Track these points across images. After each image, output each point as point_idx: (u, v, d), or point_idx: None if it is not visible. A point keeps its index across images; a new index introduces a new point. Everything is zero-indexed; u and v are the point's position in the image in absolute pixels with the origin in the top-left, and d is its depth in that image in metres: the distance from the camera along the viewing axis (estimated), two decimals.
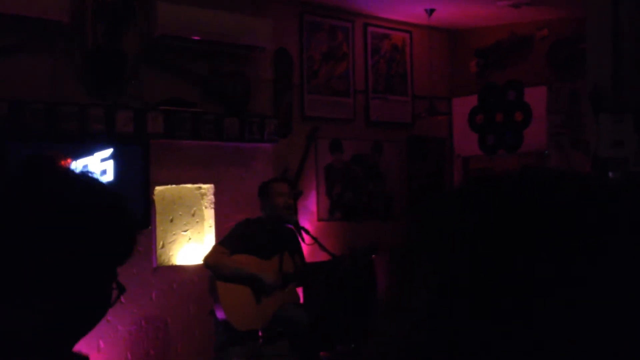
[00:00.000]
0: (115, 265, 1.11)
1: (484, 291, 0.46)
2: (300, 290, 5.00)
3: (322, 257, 4.82)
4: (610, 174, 4.06)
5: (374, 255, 4.89)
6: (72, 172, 1.13)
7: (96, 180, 1.11)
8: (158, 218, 5.09)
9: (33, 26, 4.47)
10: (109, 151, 4.72)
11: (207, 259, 4.42)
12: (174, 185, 5.19)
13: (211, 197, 5.35)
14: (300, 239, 4.70)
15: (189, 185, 5.29)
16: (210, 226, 5.33)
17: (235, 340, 4.34)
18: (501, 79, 6.90)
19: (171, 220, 5.24)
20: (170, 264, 5.18)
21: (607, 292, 0.45)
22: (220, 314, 4.36)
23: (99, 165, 4.69)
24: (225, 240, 4.48)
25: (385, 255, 5.23)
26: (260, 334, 4.38)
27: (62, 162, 4.32)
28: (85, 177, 1.10)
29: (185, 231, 5.30)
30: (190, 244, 5.30)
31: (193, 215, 5.34)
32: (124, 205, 1.11)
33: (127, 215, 1.13)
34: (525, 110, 6.75)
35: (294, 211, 4.77)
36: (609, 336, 0.45)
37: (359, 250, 4.86)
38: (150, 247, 5.03)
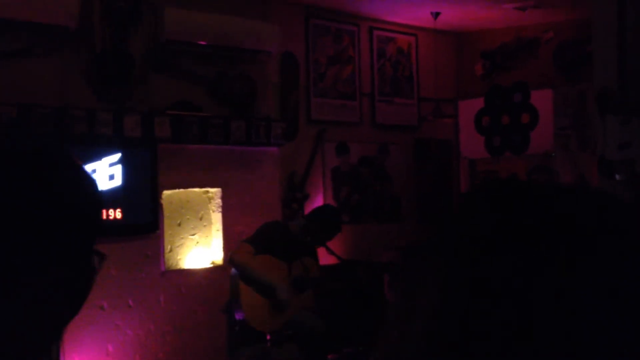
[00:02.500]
0: (88, 229, 0.89)
1: (485, 299, 0.47)
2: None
3: (331, 260, 4.83)
4: (617, 177, 4.06)
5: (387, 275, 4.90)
6: None
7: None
8: (166, 222, 5.11)
9: (41, 31, 4.51)
10: (117, 156, 4.74)
11: (234, 256, 4.42)
12: (181, 190, 5.21)
13: (218, 201, 5.37)
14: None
15: (197, 189, 5.31)
16: (218, 230, 5.35)
17: (249, 340, 4.36)
18: (507, 81, 6.91)
19: (179, 224, 5.26)
20: (178, 267, 5.20)
21: (603, 304, 0.46)
22: (238, 314, 4.37)
23: (107, 169, 4.71)
24: (253, 239, 4.47)
25: (396, 259, 5.24)
26: (268, 337, 4.40)
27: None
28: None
29: (193, 235, 5.32)
30: (198, 248, 5.32)
31: (201, 219, 5.36)
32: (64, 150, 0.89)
33: (74, 162, 0.90)
34: (531, 112, 6.75)
35: (302, 215, 4.78)
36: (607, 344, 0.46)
37: (375, 264, 4.88)
38: (159, 251, 5.05)
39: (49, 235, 0.85)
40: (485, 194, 0.53)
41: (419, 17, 6.45)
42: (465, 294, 0.48)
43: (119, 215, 4.75)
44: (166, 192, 5.08)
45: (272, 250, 4.42)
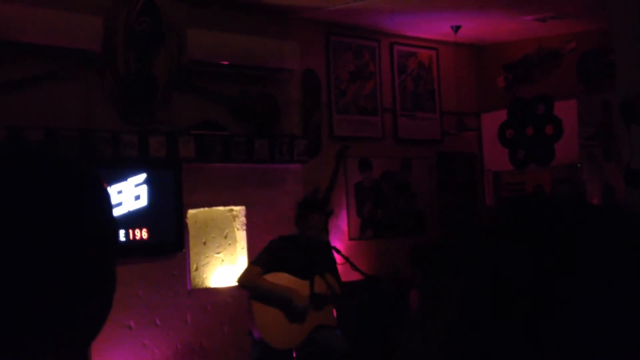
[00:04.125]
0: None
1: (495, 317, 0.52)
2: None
3: (355, 276, 4.82)
4: None
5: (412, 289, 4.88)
6: None
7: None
8: (191, 241, 5.14)
9: (66, 56, 4.59)
10: (142, 176, 4.79)
11: (241, 279, 4.45)
12: (206, 208, 5.25)
13: (243, 219, 5.39)
14: (336, 257, 4.70)
15: (221, 208, 5.34)
16: (243, 248, 5.37)
17: (269, 359, 4.35)
18: (530, 93, 6.87)
19: (204, 243, 5.29)
20: (205, 286, 5.22)
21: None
22: (256, 333, 4.38)
23: (133, 190, 4.76)
24: (259, 259, 4.50)
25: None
26: (294, 354, 4.39)
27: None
28: None
29: (218, 253, 5.35)
30: (224, 266, 5.34)
31: (225, 237, 5.39)
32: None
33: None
34: (555, 124, 6.70)
35: (326, 231, 4.78)
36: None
37: (399, 279, 4.87)
38: (185, 270, 5.08)
39: (71, 255, 0.85)
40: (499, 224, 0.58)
41: (440, 31, 6.46)
42: (477, 311, 0.52)
43: (145, 235, 4.79)
44: (191, 211, 5.12)
45: (283, 267, 4.42)
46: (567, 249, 0.52)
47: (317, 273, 4.50)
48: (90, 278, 0.88)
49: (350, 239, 6.20)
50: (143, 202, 4.78)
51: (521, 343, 0.50)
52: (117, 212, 4.48)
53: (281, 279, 4.42)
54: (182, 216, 5.00)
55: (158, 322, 4.89)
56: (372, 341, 5.42)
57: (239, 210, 5.40)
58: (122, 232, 4.65)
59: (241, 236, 5.39)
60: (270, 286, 4.36)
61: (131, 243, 4.70)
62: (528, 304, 0.50)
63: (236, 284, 4.58)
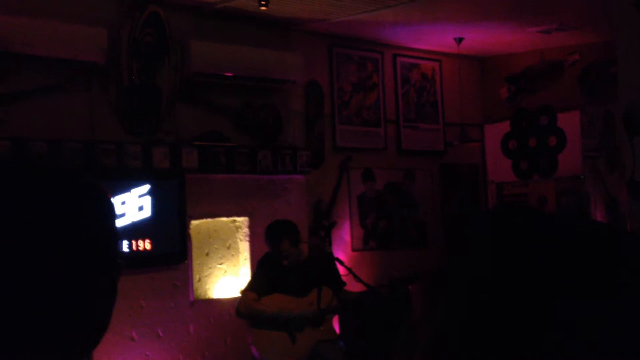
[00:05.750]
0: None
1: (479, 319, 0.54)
2: (336, 320, 4.99)
3: (358, 287, 4.81)
4: None
5: (411, 286, 4.87)
6: None
7: None
8: (194, 252, 5.14)
9: (70, 67, 4.61)
10: (145, 187, 4.80)
11: (239, 309, 4.40)
12: (209, 219, 5.25)
13: (246, 230, 5.40)
14: (339, 269, 4.64)
15: (224, 219, 5.34)
16: (246, 259, 5.37)
17: None
18: (533, 104, 6.88)
19: (207, 254, 5.29)
20: (207, 297, 5.22)
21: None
22: (255, 353, 4.36)
23: (137, 201, 4.77)
24: (251, 285, 4.45)
25: (422, 283, 5.20)
26: None
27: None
28: None
29: (221, 264, 5.35)
30: (226, 277, 5.34)
31: (228, 248, 5.39)
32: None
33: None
34: (559, 135, 6.70)
35: (329, 242, 4.77)
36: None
37: (397, 279, 4.84)
38: (187, 281, 5.08)
39: (71, 264, 0.86)
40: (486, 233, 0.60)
41: (443, 43, 6.48)
42: (463, 315, 0.55)
43: (148, 246, 4.79)
44: (194, 222, 5.12)
45: (278, 287, 4.35)
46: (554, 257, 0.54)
47: (313, 287, 4.43)
48: (90, 287, 0.89)
49: (354, 250, 6.19)
50: (146, 213, 4.79)
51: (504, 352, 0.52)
52: (120, 223, 4.48)
53: (277, 300, 4.38)
54: (185, 227, 5.01)
55: (160, 334, 4.89)
56: (371, 349, 5.40)
57: (242, 221, 5.40)
58: (125, 243, 4.65)
59: (244, 247, 5.39)
60: (268, 310, 4.32)
61: (134, 254, 4.70)
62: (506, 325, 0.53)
63: (235, 314, 4.51)
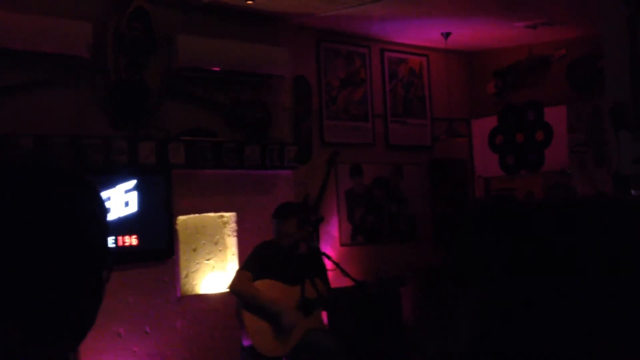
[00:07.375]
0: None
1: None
2: (324, 315, 4.99)
3: (347, 282, 4.81)
4: (633, 192, 4.03)
5: (402, 287, 4.90)
6: None
7: None
8: (181, 247, 5.13)
9: (56, 62, 4.57)
10: (132, 182, 4.78)
11: (233, 285, 4.44)
12: (196, 215, 5.23)
13: (233, 225, 5.38)
14: (325, 262, 4.69)
15: (211, 214, 5.33)
16: (233, 254, 5.36)
17: None
18: (520, 99, 6.90)
19: (194, 250, 5.27)
20: (195, 293, 5.20)
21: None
22: (245, 340, 4.37)
23: (123, 196, 4.74)
24: (247, 265, 4.49)
25: (412, 281, 5.22)
26: None
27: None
28: None
29: (208, 260, 5.33)
30: (214, 273, 5.32)
31: (216, 243, 5.37)
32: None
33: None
34: (545, 130, 6.73)
35: (316, 237, 4.77)
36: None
37: (386, 280, 4.88)
38: (175, 276, 5.06)
39: (61, 259, 0.87)
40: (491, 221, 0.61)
41: (430, 37, 6.48)
42: (497, 322, 0.56)
43: (134, 241, 4.77)
44: (181, 218, 5.10)
45: (270, 274, 4.40)
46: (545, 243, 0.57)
47: (305, 278, 4.48)
48: (77, 281, 0.89)
49: (342, 245, 6.19)
50: (133, 208, 4.77)
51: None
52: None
53: (269, 286, 4.41)
54: (172, 222, 4.99)
55: (148, 330, 4.87)
56: (363, 342, 5.42)
57: (230, 216, 5.38)
58: (111, 239, 4.63)
59: (232, 242, 5.38)
60: (261, 296, 4.35)
61: (121, 249, 4.68)
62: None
63: (227, 290, 4.56)
